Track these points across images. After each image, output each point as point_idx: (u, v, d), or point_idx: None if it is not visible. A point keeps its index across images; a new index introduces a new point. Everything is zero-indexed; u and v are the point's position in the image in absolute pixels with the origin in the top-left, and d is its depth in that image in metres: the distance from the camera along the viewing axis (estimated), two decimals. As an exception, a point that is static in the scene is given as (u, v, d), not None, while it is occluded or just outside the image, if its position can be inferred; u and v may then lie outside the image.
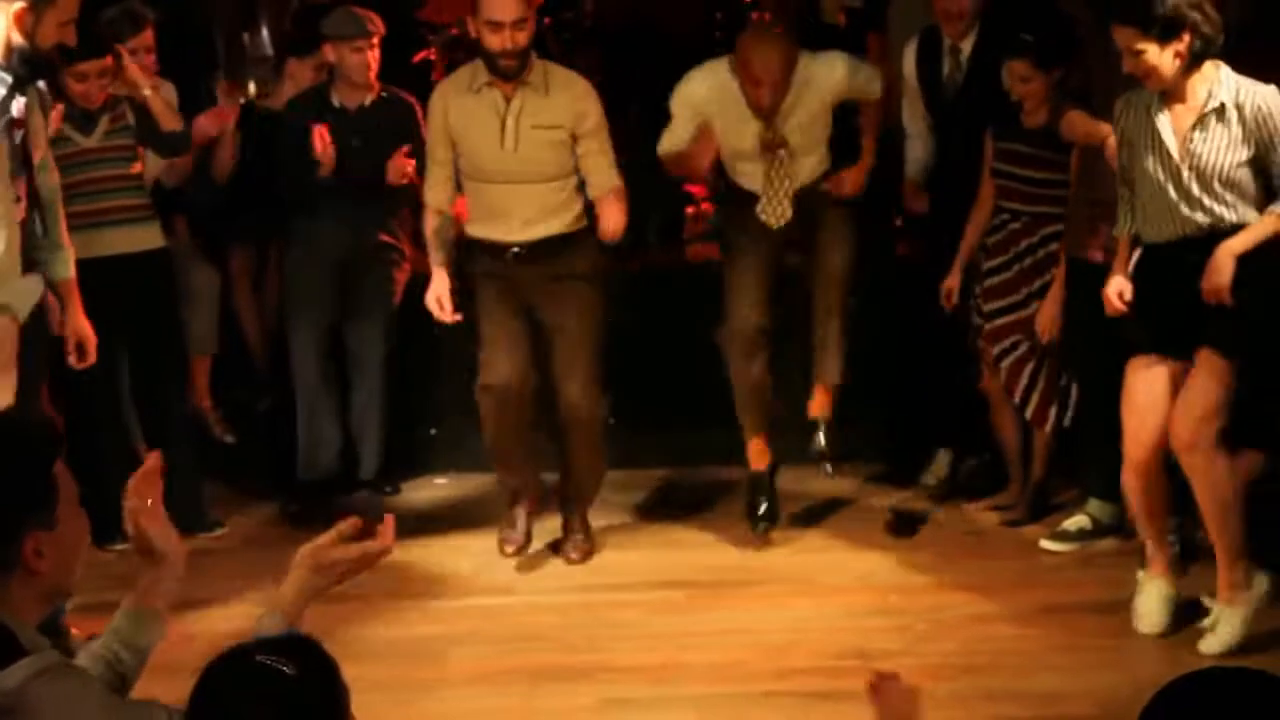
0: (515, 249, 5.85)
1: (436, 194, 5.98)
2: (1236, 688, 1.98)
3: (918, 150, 6.61)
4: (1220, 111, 4.88)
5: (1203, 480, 5.08)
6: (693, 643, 5.27)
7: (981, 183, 6.16)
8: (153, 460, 3.04)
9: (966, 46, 6.37)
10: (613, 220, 5.83)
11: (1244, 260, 4.90)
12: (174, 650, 3.04)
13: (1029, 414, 6.17)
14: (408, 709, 4.73)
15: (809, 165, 6.12)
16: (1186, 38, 4.77)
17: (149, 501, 2.98)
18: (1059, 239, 5.98)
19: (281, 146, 6.62)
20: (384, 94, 6.58)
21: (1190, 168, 4.94)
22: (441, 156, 5.91)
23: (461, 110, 5.80)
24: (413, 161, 6.36)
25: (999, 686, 4.89)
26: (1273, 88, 4.89)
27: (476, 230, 5.97)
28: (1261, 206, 4.94)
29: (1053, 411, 6.12)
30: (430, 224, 5.99)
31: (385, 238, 6.62)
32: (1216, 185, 4.94)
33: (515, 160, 5.75)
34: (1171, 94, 4.94)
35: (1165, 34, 4.77)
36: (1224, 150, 4.91)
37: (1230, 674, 2.02)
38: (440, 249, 5.95)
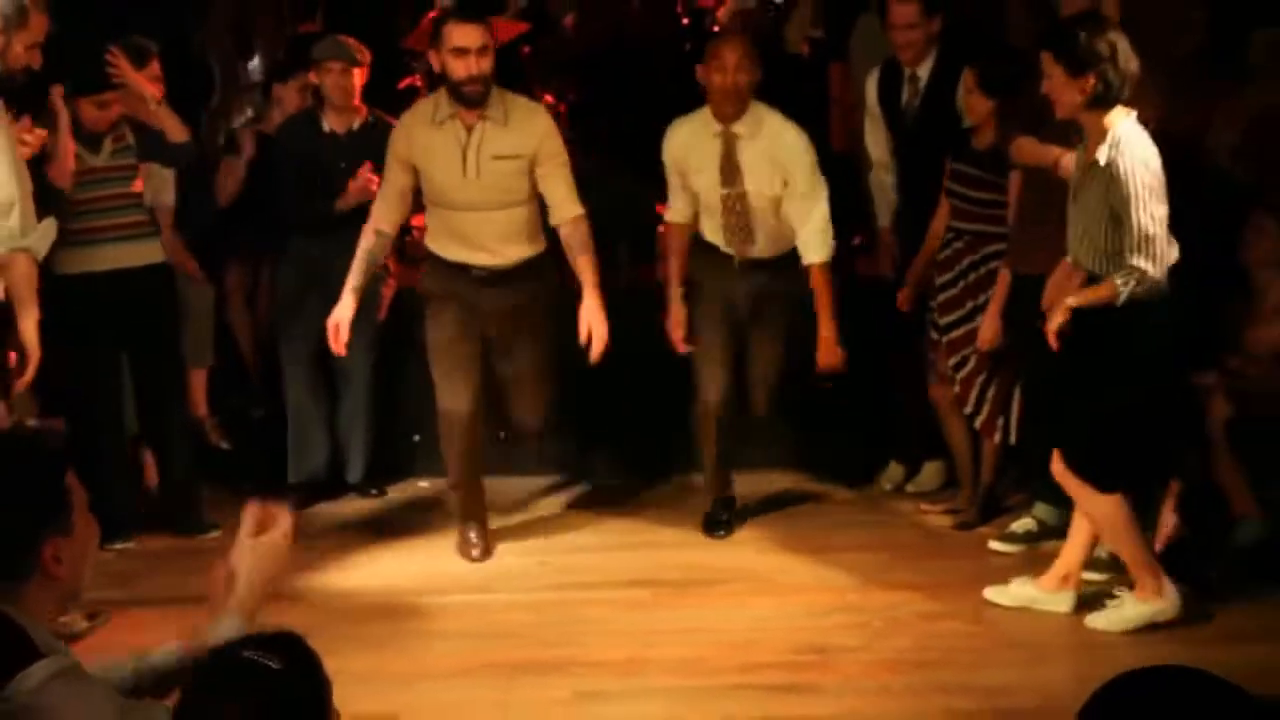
0: (479, 270, 5.82)
1: (381, 213, 5.91)
2: (1174, 685, 1.97)
3: (886, 186, 6.62)
4: (1095, 165, 4.94)
5: (1081, 504, 5.31)
6: (659, 639, 5.25)
7: (940, 200, 6.21)
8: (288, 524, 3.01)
9: (924, 74, 6.40)
10: (598, 330, 5.75)
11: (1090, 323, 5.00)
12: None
13: (979, 424, 6.19)
14: (391, 700, 4.71)
15: (766, 232, 6.13)
16: (1092, 79, 4.83)
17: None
18: (1001, 256, 6.02)
19: (277, 168, 6.60)
20: (370, 118, 6.57)
21: (1073, 209, 5.05)
22: (397, 182, 5.85)
23: (425, 141, 5.75)
24: (376, 179, 6.34)
25: (950, 680, 4.89)
26: (1145, 155, 4.90)
27: (440, 250, 5.92)
28: (1116, 266, 4.98)
29: (1000, 422, 6.15)
30: (365, 241, 5.88)
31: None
32: (1082, 231, 5.05)
33: (477, 189, 5.70)
34: (1086, 133, 5.01)
35: (1073, 68, 4.87)
36: (1090, 202, 4.99)
37: (1169, 672, 2.01)
38: (361, 273, 5.83)
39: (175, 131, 6.07)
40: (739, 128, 5.98)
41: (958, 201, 6.11)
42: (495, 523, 6.36)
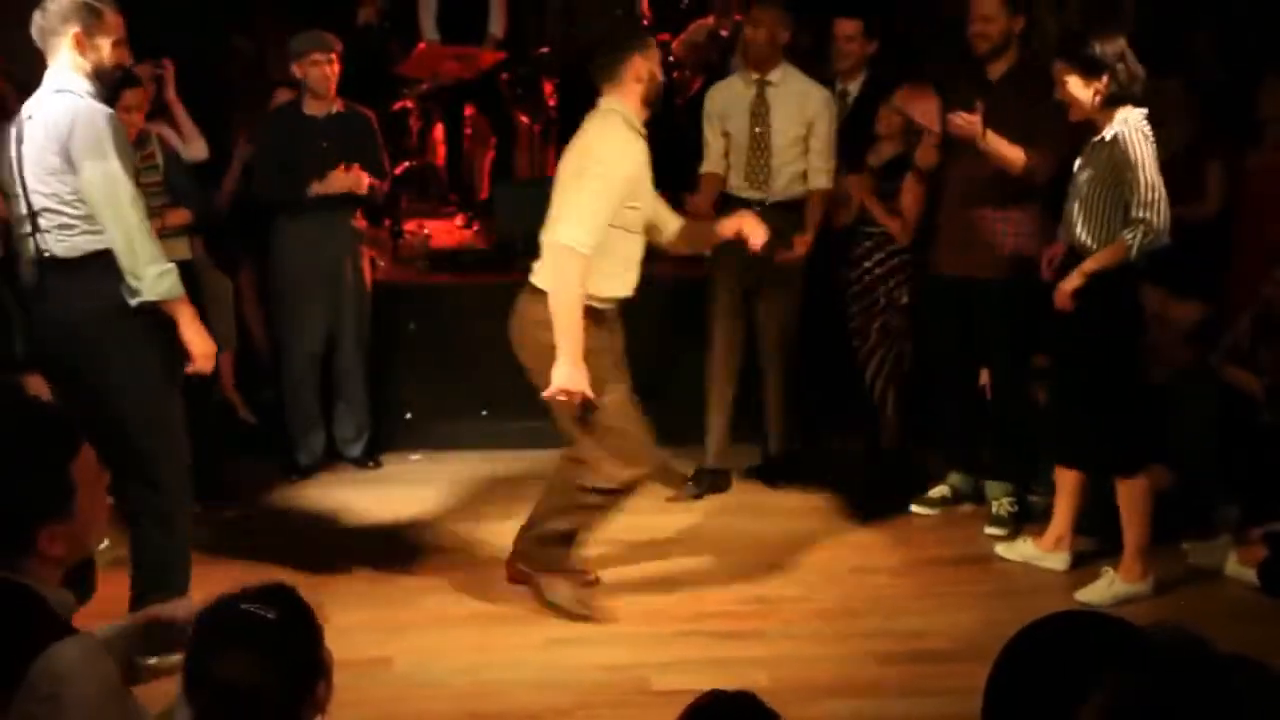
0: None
1: None
2: (1087, 626, 2.01)
3: None
4: (1102, 143, 4.93)
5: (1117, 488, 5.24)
6: (624, 590, 5.28)
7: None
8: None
9: (853, 90, 6.42)
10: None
11: (1087, 302, 4.98)
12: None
13: (875, 396, 6.25)
14: (386, 646, 4.74)
15: (786, 175, 6.13)
16: (1105, 79, 4.83)
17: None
18: (901, 254, 6.08)
19: (262, 151, 6.57)
20: (347, 107, 6.53)
21: (1073, 189, 5.02)
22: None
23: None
24: (355, 167, 6.32)
25: (874, 626, 4.95)
26: (1149, 134, 4.91)
27: (619, 290, 4.96)
28: (1106, 234, 4.97)
29: (890, 393, 6.23)
30: None
31: (355, 223, 6.60)
32: (1078, 206, 5.01)
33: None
34: (1093, 128, 4.99)
35: (1088, 71, 4.85)
36: (1092, 176, 4.96)
37: (1079, 615, 2.06)
38: None
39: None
40: (772, 80, 6.12)
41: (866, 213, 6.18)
42: (477, 490, 6.40)
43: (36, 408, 2.97)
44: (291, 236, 6.50)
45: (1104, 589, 5.15)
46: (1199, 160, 6.49)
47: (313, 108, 6.48)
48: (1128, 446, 5.14)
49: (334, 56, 6.40)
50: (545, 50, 8.86)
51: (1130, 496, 5.17)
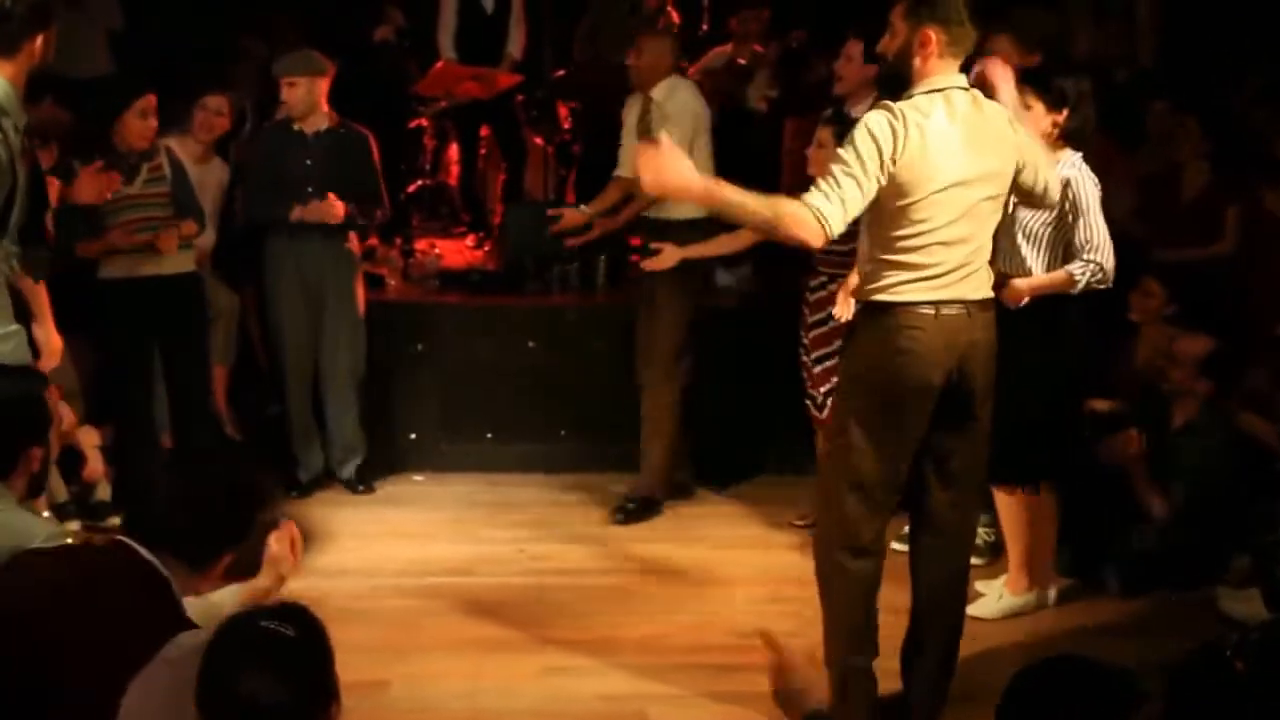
0: None
1: None
2: (1078, 672, 2.02)
3: None
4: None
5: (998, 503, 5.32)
6: (623, 621, 5.27)
7: None
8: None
9: (859, 115, 6.33)
10: None
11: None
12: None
13: None
14: (382, 670, 4.73)
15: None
16: (1066, 113, 4.87)
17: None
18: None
19: (254, 167, 6.58)
20: (341, 125, 6.48)
21: (1016, 223, 4.99)
22: None
23: None
24: (331, 197, 6.28)
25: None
26: (1094, 177, 4.94)
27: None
28: (1052, 268, 4.97)
29: None
30: None
31: (347, 245, 6.55)
32: (1026, 242, 5.00)
33: None
34: None
35: (1053, 103, 4.90)
36: (1034, 215, 4.94)
37: (1070, 660, 2.06)
38: None
39: None
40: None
41: (821, 254, 6.01)
42: (479, 513, 6.40)
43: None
44: (277, 256, 6.49)
45: (992, 603, 5.31)
46: (1217, 200, 6.51)
47: (303, 125, 6.44)
48: (1014, 459, 5.09)
49: (301, 79, 6.31)
50: (561, 73, 8.91)
51: (1006, 509, 5.24)
